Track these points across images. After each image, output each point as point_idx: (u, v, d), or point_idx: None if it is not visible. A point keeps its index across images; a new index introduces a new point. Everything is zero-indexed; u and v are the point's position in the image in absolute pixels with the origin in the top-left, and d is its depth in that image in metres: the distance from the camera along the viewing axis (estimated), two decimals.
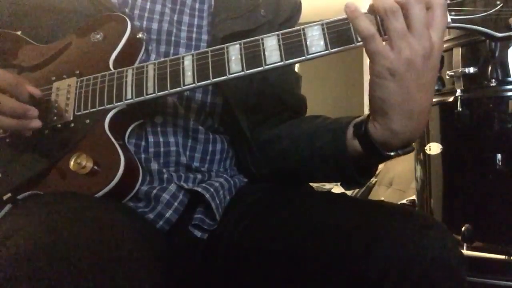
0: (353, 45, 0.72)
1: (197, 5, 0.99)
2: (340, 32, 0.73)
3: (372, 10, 0.71)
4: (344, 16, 0.72)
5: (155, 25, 0.92)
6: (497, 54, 1.34)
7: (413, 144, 0.75)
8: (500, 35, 0.70)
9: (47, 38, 0.91)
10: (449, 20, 0.71)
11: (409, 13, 0.66)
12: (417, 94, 0.68)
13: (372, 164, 0.81)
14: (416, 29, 0.66)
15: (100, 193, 0.75)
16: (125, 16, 0.87)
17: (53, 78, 0.85)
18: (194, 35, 0.95)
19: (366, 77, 5.20)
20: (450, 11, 0.71)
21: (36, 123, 0.80)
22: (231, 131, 0.98)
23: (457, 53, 1.40)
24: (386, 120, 0.71)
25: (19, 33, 0.92)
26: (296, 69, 1.13)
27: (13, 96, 0.78)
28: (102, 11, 0.90)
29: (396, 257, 0.63)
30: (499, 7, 0.70)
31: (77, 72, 0.84)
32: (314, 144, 0.84)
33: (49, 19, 0.91)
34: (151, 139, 0.87)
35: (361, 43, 0.71)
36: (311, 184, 0.99)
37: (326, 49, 0.72)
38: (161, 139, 0.87)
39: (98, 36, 0.86)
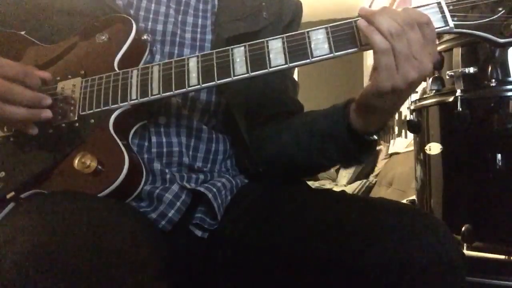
0: (357, 49, 0.73)
1: (200, 6, 1.00)
2: (344, 36, 0.73)
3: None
4: (349, 20, 0.73)
5: (159, 27, 0.92)
6: (497, 54, 1.35)
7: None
8: (502, 41, 0.71)
9: (52, 39, 0.91)
10: (451, 25, 0.72)
11: (407, 38, 0.69)
12: (399, 101, 0.76)
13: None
14: (416, 52, 0.69)
15: (104, 193, 0.75)
16: (130, 18, 0.87)
17: (58, 78, 0.85)
18: (198, 35, 0.96)
19: (366, 79, 5.21)
20: (452, 16, 0.72)
21: (48, 113, 0.79)
22: (231, 131, 0.99)
23: (457, 53, 1.40)
24: (367, 115, 0.79)
25: (23, 33, 0.92)
26: (296, 70, 1.14)
27: (25, 85, 0.77)
28: (107, 13, 0.90)
29: (396, 254, 0.63)
30: (501, 13, 0.71)
31: (82, 72, 0.85)
32: (313, 127, 0.87)
33: (54, 20, 0.91)
34: (154, 139, 0.87)
35: (365, 47, 0.72)
36: (310, 184, 0.99)
37: (330, 52, 0.73)
38: (164, 140, 0.88)
39: (103, 37, 0.87)
